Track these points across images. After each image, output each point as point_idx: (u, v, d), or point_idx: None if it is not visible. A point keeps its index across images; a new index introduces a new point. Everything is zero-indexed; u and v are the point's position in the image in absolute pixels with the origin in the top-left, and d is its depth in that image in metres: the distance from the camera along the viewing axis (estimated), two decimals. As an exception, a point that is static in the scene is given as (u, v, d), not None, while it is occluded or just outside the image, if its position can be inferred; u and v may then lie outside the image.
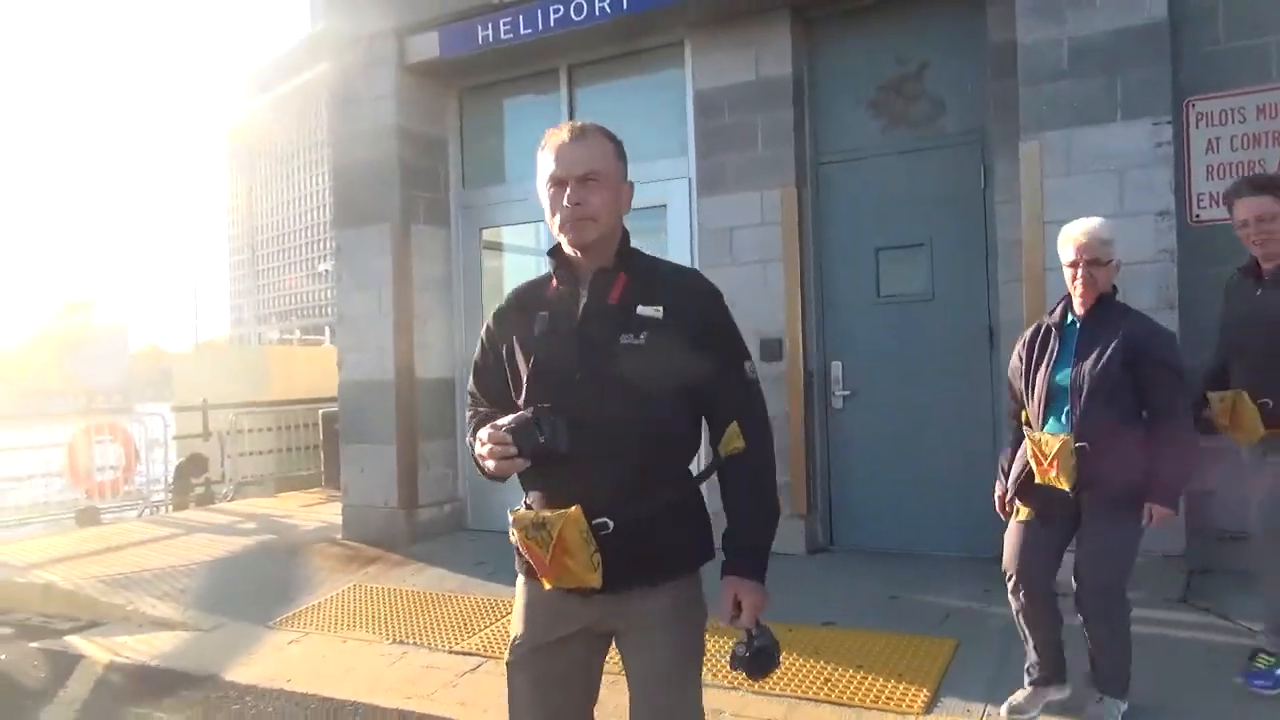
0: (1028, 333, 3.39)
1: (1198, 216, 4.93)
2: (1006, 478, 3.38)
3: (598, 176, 1.94)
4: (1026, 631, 3.34)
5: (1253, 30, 4.82)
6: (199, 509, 9.90)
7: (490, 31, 6.59)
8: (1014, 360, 3.40)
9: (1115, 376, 3.05)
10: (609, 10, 6.14)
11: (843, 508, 6.03)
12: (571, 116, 6.78)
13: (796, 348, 5.83)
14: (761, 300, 5.87)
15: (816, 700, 3.74)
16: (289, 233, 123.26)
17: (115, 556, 6.85)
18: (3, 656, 5.10)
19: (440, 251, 7.25)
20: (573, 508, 1.86)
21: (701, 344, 1.95)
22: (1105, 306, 3.17)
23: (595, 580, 1.89)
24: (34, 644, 5.21)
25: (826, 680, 3.91)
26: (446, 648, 4.61)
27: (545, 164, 1.97)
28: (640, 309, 1.94)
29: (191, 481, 11.29)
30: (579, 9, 6.23)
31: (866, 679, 3.88)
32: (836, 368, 5.95)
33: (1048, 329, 3.28)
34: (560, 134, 1.98)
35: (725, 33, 6.07)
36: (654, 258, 2.12)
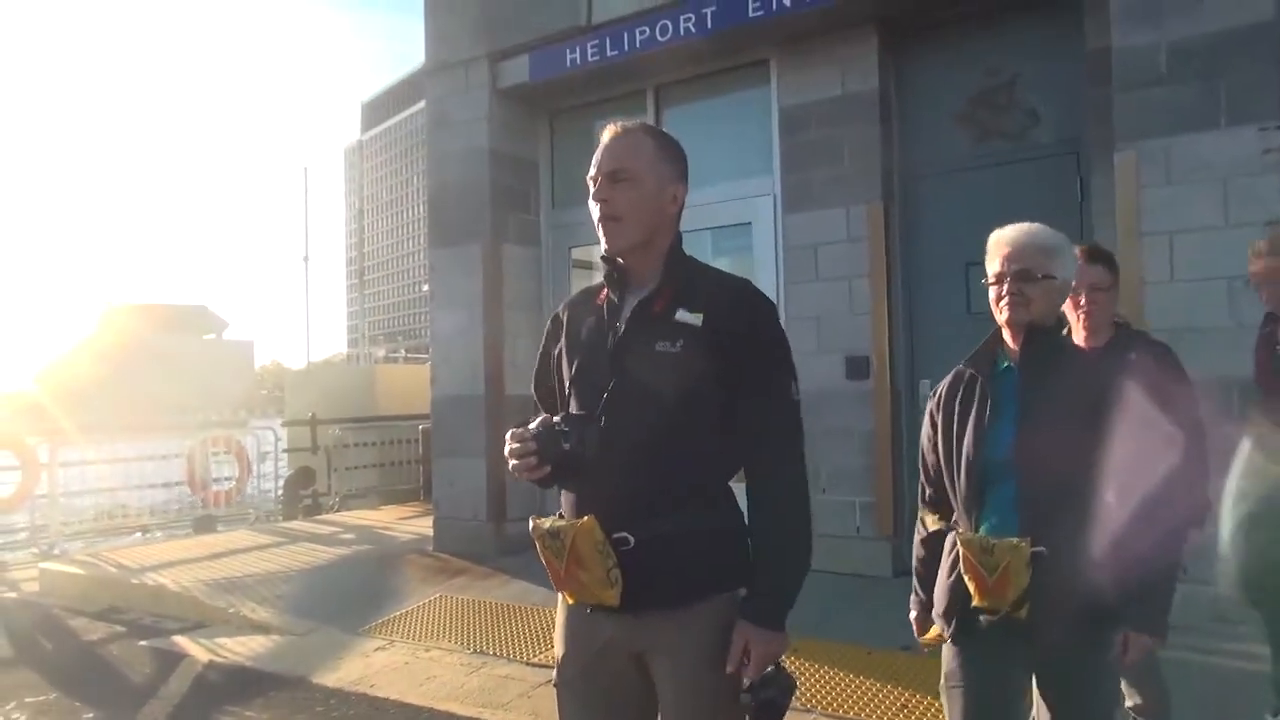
0: (943, 385, 2.34)
1: (1313, 227, 4.63)
2: (923, 589, 2.40)
3: (628, 174, 1.86)
4: None
5: (1374, 28, 4.52)
6: (305, 520, 10.30)
7: (578, 54, 6.73)
8: (925, 426, 2.38)
9: (1074, 448, 2.11)
10: (694, 30, 6.19)
11: (932, 530, 5.85)
12: (658, 136, 6.83)
13: (883, 365, 5.72)
14: (847, 317, 5.80)
15: (891, 726, 3.65)
16: (399, 255, 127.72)
17: (223, 562, 7.19)
18: (115, 652, 5.41)
19: (530, 270, 7.40)
20: (585, 519, 1.77)
21: (741, 356, 1.83)
22: (1043, 343, 2.20)
23: (611, 598, 1.78)
24: (143, 642, 5.51)
25: (903, 707, 3.81)
26: (525, 659, 4.67)
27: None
28: (679, 314, 1.84)
29: (299, 493, 11.74)
30: (664, 29, 6.30)
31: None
32: (924, 386, 5.80)
33: (971, 379, 2.26)
34: (604, 132, 1.92)
35: (810, 49, 6.04)
36: (704, 265, 2.00)
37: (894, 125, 5.95)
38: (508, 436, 1.82)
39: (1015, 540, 2.03)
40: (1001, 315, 2.19)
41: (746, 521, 1.89)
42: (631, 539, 1.78)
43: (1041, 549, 2.03)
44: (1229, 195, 4.37)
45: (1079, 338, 3.00)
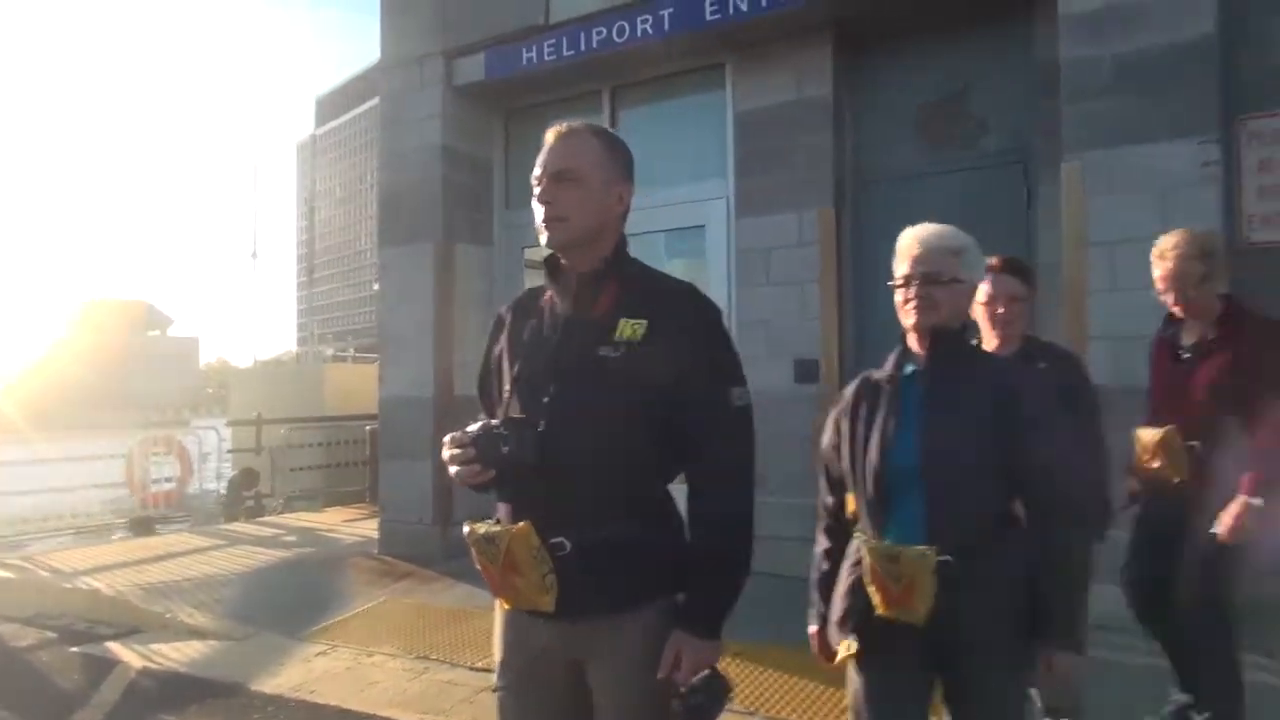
0: (848, 391, 2.29)
1: (1249, 238, 4.75)
2: (823, 601, 2.30)
3: (573, 174, 1.84)
4: None
5: (1309, 48, 4.65)
6: (248, 522, 10.08)
7: (534, 53, 6.68)
8: (828, 433, 2.31)
9: (982, 455, 2.05)
10: (651, 32, 6.18)
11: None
12: (613, 137, 6.81)
13: (832, 369, 5.75)
14: (798, 321, 5.82)
15: (836, 730, 3.65)
16: (352, 253, 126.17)
17: (160, 566, 7.00)
18: (45, 660, 5.22)
19: (483, 270, 7.32)
20: (520, 524, 1.74)
21: (685, 363, 1.80)
22: (950, 348, 2.14)
23: (546, 603, 1.76)
24: (74, 649, 5.33)
25: (845, 710, 3.80)
26: (469, 664, 4.59)
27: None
28: (622, 320, 1.81)
29: (243, 495, 11.52)
30: (621, 31, 6.28)
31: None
32: (874, 391, 5.83)
33: (875, 386, 2.21)
34: (549, 133, 1.90)
35: (766, 54, 6.05)
36: (649, 268, 1.97)
37: (847, 131, 5.99)
38: (445, 441, 1.79)
39: (922, 548, 1.98)
40: (908, 319, 2.14)
41: (681, 526, 1.88)
42: (568, 544, 1.76)
43: (948, 557, 1.97)
44: (1168, 207, 4.45)
45: (990, 346, 3.02)
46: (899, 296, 2.15)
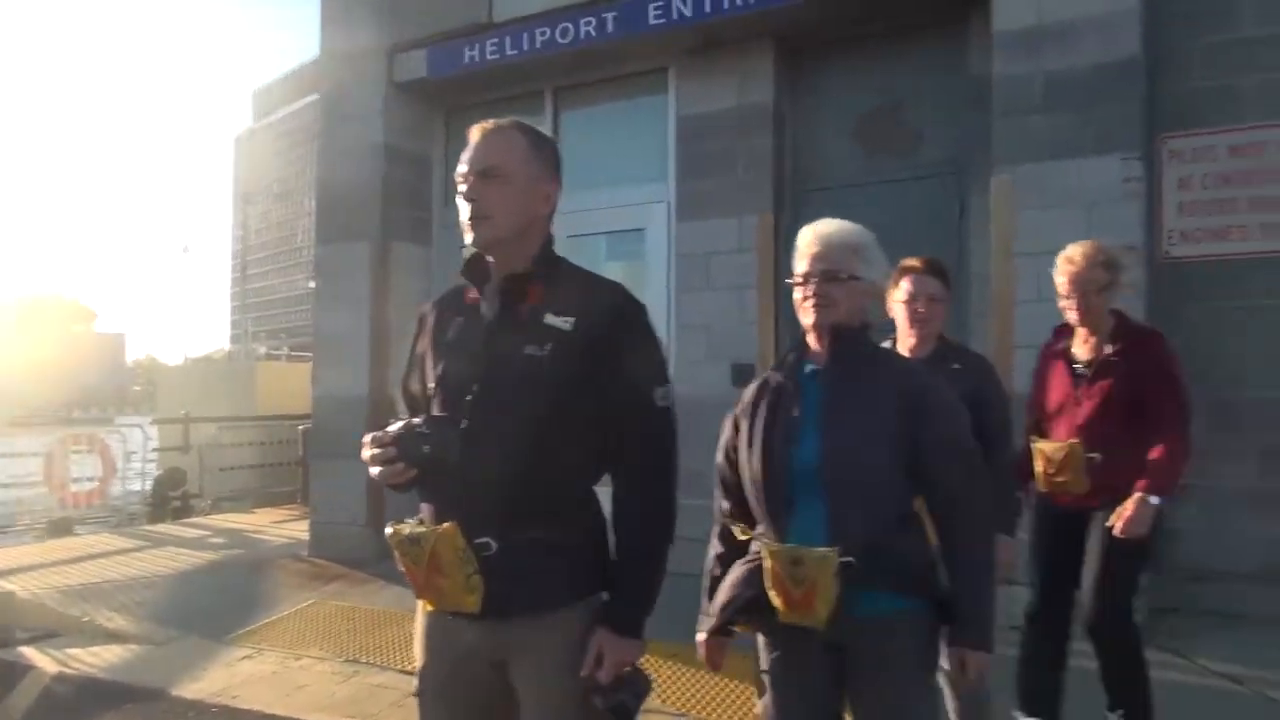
0: (748, 391, 2.21)
1: (1168, 253, 4.92)
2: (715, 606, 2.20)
3: (499, 172, 1.81)
4: None
5: (1226, 72, 4.85)
6: (174, 523, 9.81)
7: (477, 52, 6.64)
8: (726, 433, 2.23)
9: (884, 452, 2.01)
10: (595, 35, 6.18)
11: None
12: (555, 139, 6.78)
13: (769, 375, 5.79)
14: (736, 326, 5.86)
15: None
16: (289, 250, 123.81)
17: (80, 568, 6.77)
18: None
19: (421, 269, 7.24)
20: (446, 525, 1.72)
21: (610, 362, 1.78)
22: (850, 346, 2.10)
23: (471, 604, 1.73)
24: (-15, 653, 5.13)
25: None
26: (399, 667, 4.53)
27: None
28: (548, 318, 1.79)
29: (169, 495, 11.21)
30: (564, 32, 6.27)
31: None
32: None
33: (776, 386, 2.14)
34: (475, 129, 1.87)
35: (709, 60, 6.10)
36: (576, 267, 1.94)
37: (787, 138, 6.06)
38: (365, 440, 1.74)
39: (824, 550, 1.92)
40: (806, 317, 2.10)
41: (606, 525, 1.88)
42: (494, 544, 1.74)
43: (850, 559, 1.92)
44: (1094, 220, 4.59)
45: (906, 346, 3.07)
46: (797, 294, 2.11)
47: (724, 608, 2.11)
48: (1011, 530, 3.00)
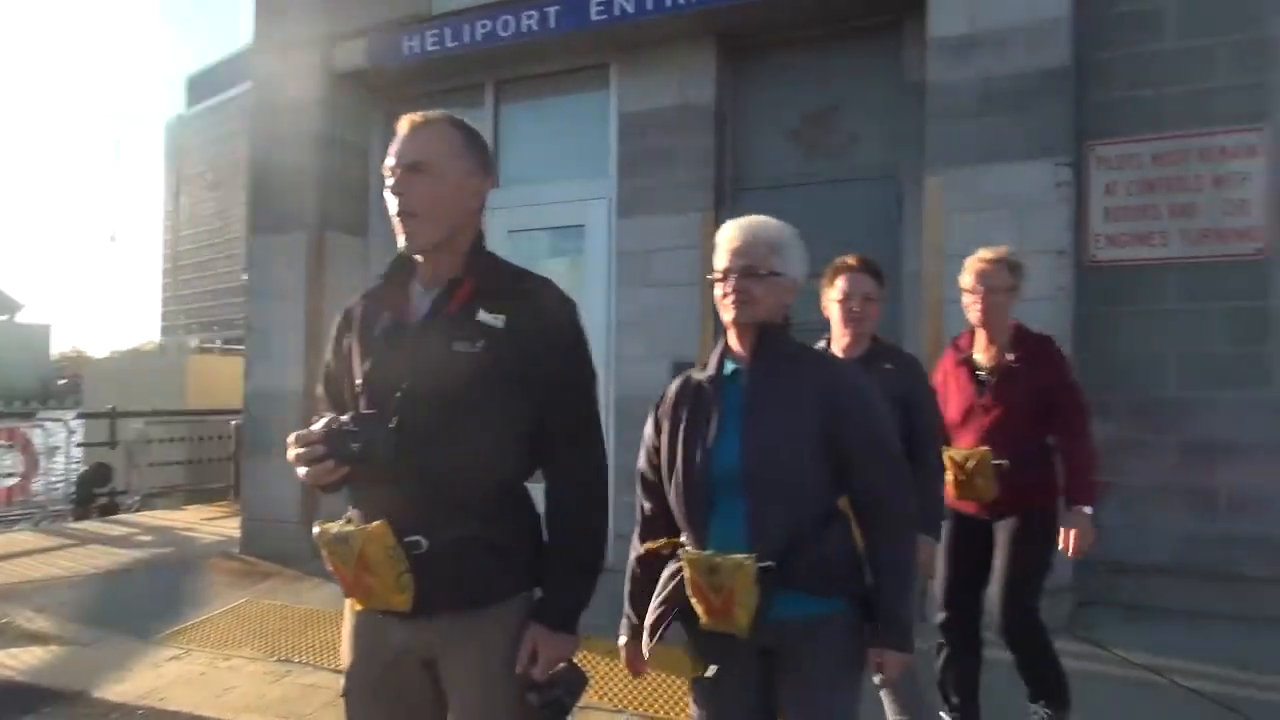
0: (670, 390, 2.16)
1: (1095, 256, 5.08)
2: (635, 613, 2.19)
3: (427, 167, 1.78)
4: None
5: (1151, 80, 5.01)
6: (99, 520, 9.53)
7: (417, 43, 6.56)
8: (648, 432, 2.18)
9: (807, 453, 1.97)
10: (536, 29, 6.15)
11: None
12: (496, 132, 6.76)
13: (709, 372, 5.83)
14: (676, 323, 5.89)
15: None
16: (224, 240, 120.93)
17: (-2, 566, 6.55)
18: None
19: (357, 261, 7.13)
20: (375, 523, 1.70)
21: (541, 360, 1.79)
22: (772, 345, 2.06)
23: (402, 602, 1.72)
24: (-105, 656, 4.93)
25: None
26: (333, 666, 4.47)
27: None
28: (480, 315, 1.78)
29: (94, 492, 10.86)
30: (505, 25, 6.23)
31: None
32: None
33: (697, 385, 2.10)
34: (403, 121, 1.84)
35: (651, 57, 6.11)
36: (507, 263, 1.93)
37: (728, 137, 6.10)
38: (290, 439, 1.71)
39: (740, 557, 1.88)
40: (726, 314, 2.05)
41: (539, 522, 1.88)
42: (425, 543, 1.73)
43: (770, 564, 1.89)
44: (1024, 223, 4.72)
45: (840, 345, 3.10)
46: (718, 291, 2.06)
47: (653, 627, 2.07)
48: (936, 533, 3.05)
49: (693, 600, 1.98)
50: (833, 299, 3.09)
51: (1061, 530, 3.22)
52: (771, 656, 2.00)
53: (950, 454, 3.30)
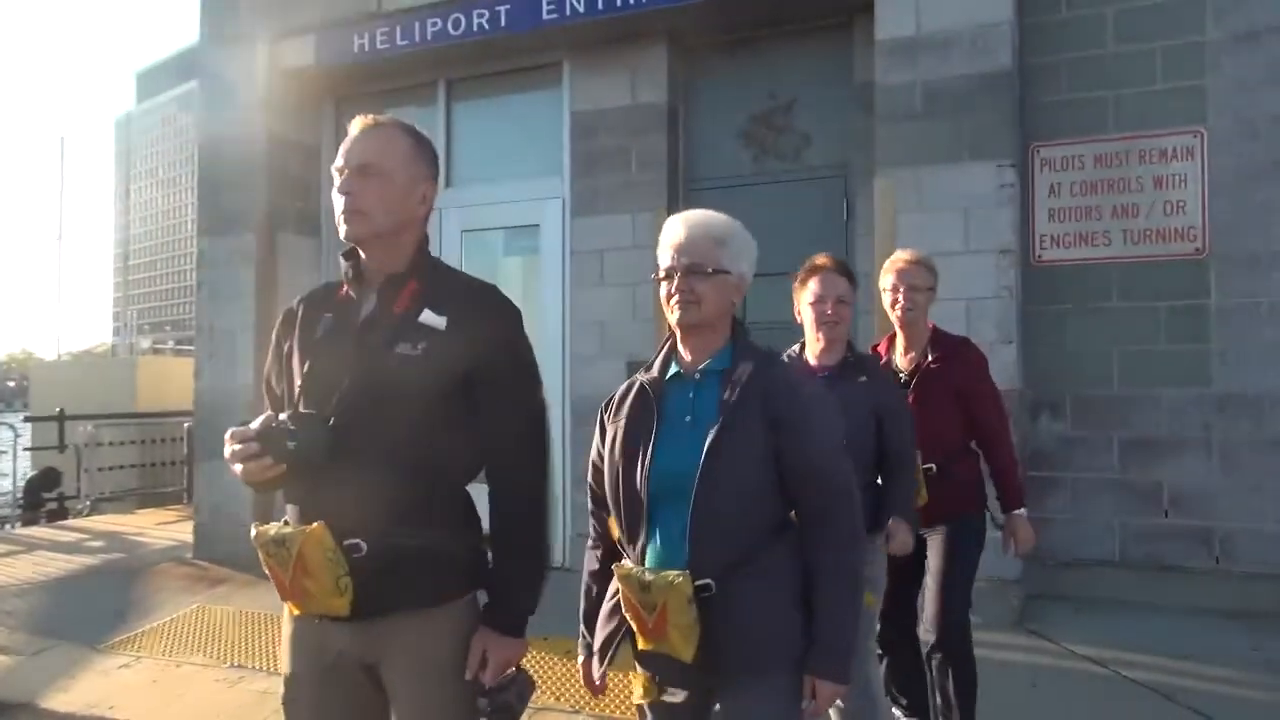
0: (617, 393, 2.05)
1: (1040, 256, 5.18)
2: (588, 629, 2.09)
3: (377, 170, 1.81)
4: None
5: (1092, 83, 5.13)
6: (48, 526, 9.35)
7: (367, 40, 6.50)
8: (595, 439, 2.07)
9: (753, 464, 1.84)
10: (487, 27, 6.12)
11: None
12: (449, 131, 6.73)
13: (664, 371, 5.86)
14: (630, 323, 5.92)
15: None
16: (175, 239, 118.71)
17: (-60, 575, 6.40)
18: None
19: (309, 262, 7.06)
20: (314, 525, 1.69)
21: (485, 361, 1.81)
22: (736, 346, 1.96)
23: (341, 607, 1.71)
24: None
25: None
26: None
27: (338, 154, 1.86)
28: (423, 317, 1.80)
29: (43, 496, 10.66)
30: (456, 23, 6.19)
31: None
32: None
33: (641, 390, 1.97)
34: (355, 123, 1.87)
35: (603, 57, 6.11)
36: (450, 267, 1.98)
37: (680, 136, 6.13)
38: (227, 437, 1.72)
39: (673, 575, 1.76)
40: (671, 315, 1.93)
41: (479, 523, 1.89)
42: (364, 545, 1.73)
43: (709, 582, 1.77)
44: (970, 224, 4.81)
45: (814, 351, 2.99)
46: (662, 291, 1.94)
47: (603, 648, 1.98)
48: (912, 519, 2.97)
49: (629, 618, 1.88)
50: (805, 302, 2.95)
51: (1002, 534, 3.28)
52: (709, 678, 1.87)
53: None
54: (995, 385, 3.34)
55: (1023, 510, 3.24)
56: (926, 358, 3.27)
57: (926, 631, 3.23)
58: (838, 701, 2.54)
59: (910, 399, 3.18)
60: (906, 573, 3.26)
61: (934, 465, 3.18)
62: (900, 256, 3.34)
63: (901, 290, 3.25)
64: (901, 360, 3.36)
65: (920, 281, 3.26)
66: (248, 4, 6.92)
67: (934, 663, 3.23)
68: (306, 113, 7.12)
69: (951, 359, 3.25)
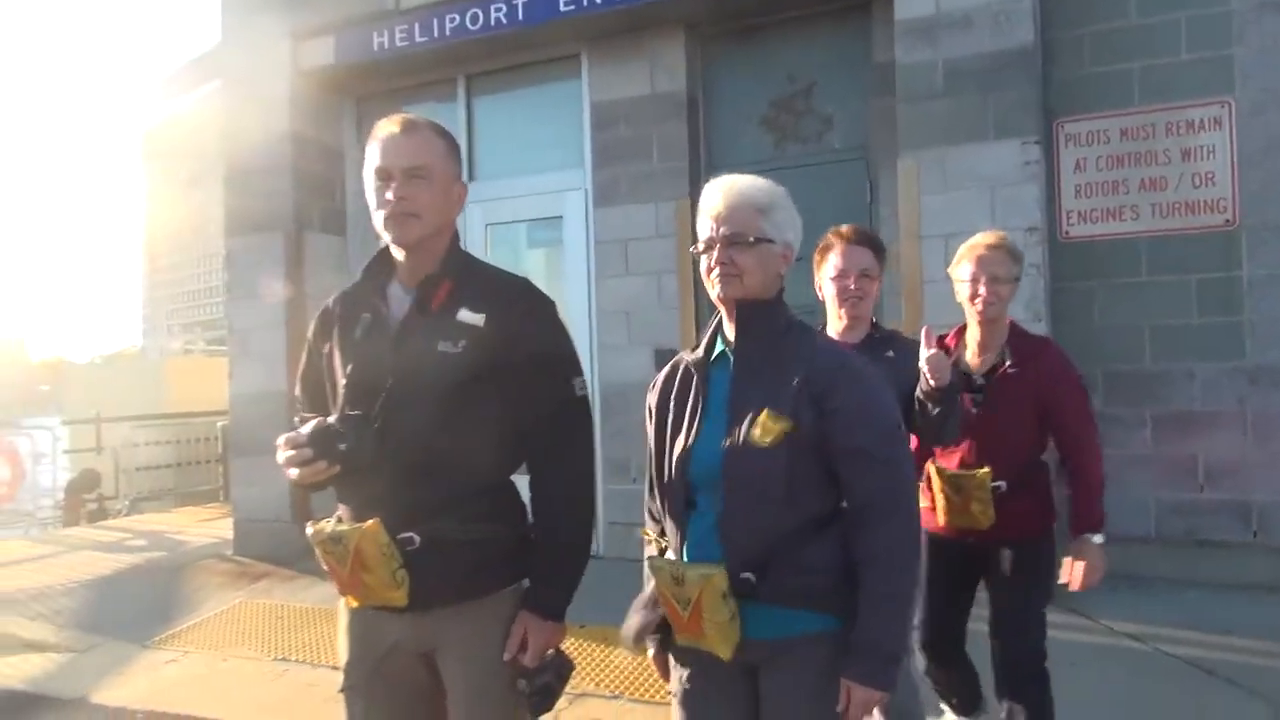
0: (661, 375, 1.96)
1: (1067, 233, 5.15)
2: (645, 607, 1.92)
3: (425, 172, 1.83)
4: None
5: (1116, 56, 5.07)
6: (89, 526, 9.53)
7: (386, 38, 6.54)
8: (647, 420, 1.95)
9: (792, 453, 1.69)
10: (505, 21, 6.14)
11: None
12: (470, 126, 6.76)
13: (691, 358, 5.88)
14: (656, 311, 5.93)
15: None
16: (204, 239, 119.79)
17: (-11, 577, 6.55)
18: None
19: (335, 260, 7.13)
20: (369, 522, 1.76)
21: (524, 356, 1.84)
22: (762, 323, 1.80)
23: (399, 598, 1.78)
24: (-109, 671, 4.95)
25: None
26: (330, 664, 4.52)
27: (371, 156, 1.86)
28: (461, 315, 1.83)
29: (83, 498, 10.86)
30: (475, 18, 6.22)
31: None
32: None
33: (686, 370, 1.88)
34: (389, 125, 1.87)
35: (620, 47, 6.12)
36: (484, 264, 2.01)
37: (700, 124, 6.13)
38: (280, 442, 1.77)
39: (707, 568, 1.67)
40: (713, 290, 1.80)
41: (530, 514, 1.94)
42: (418, 539, 1.79)
43: (749, 575, 1.67)
44: (996, 202, 4.78)
45: (835, 330, 2.72)
46: (702, 264, 1.81)
47: (637, 635, 1.87)
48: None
49: (665, 611, 1.79)
50: (826, 277, 2.70)
51: (1066, 560, 2.84)
52: (754, 674, 1.78)
53: (938, 472, 2.86)
54: (1084, 390, 2.90)
55: (1098, 538, 2.80)
56: (1004, 361, 2.83)
57: (1000, 681, 2.88)
58: None
59: (984, 406, 2.82)
60: (951, 601, 3.01)
61: (1004, 483, 2.76)
62: (981, 240, 2.86)
63: (983, 281, 2.78)
64: (973, 359, 2.92)
65: (1004, 271, 2.79)
66: (267, 5, 6.98)
67: (1004, 709, 2.87)
68: (328, 112, 7.17)
69: (1030, 362, 2.80)
